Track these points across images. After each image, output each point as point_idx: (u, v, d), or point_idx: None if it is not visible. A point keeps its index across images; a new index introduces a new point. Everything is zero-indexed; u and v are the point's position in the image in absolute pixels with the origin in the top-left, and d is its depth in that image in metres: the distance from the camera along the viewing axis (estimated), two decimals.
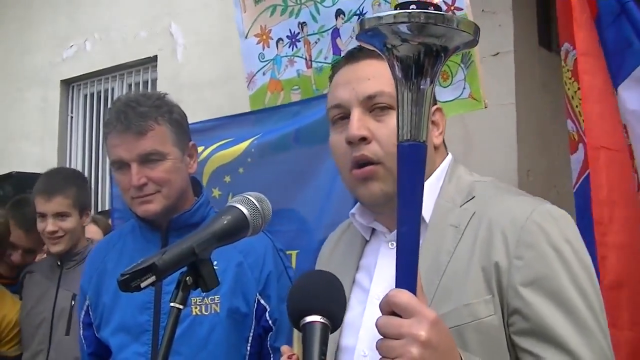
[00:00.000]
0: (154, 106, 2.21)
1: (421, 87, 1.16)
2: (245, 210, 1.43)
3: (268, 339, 2.28)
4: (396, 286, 1.17)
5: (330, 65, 3.22)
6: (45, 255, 3.81)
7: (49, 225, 3.34)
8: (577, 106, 2.71)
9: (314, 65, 3.40)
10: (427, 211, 1.51)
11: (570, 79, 2.74)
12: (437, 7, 1.10)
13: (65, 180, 3.44)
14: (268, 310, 2.25)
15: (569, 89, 2.76)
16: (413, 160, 1.18)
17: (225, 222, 1.40)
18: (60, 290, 3.44)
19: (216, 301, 2.18)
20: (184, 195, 2.28)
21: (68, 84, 8.21)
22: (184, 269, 1.35)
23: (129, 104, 2.20)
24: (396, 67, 1.16)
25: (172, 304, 1.31)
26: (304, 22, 3.44)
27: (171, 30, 6.68)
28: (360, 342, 1.53)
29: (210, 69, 6.29)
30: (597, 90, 2.64)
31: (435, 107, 1.61)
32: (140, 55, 7.16)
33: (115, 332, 2.28)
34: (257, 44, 3.69)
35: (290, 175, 3.03)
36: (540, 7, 4.81)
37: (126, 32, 7.28)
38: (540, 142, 4.58)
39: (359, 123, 1.52)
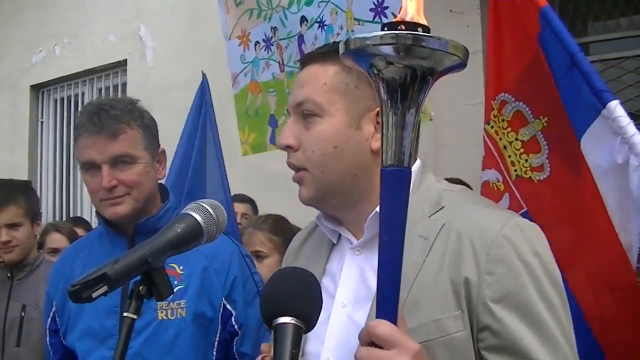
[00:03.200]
0: (126, 110, 2.21)
1: (407, 110, 1.12)
2: (199, 218, 1.41)
3: (234, 343, 2.27)
4: (377, 316, 1.14)
5: (299, 70, 3.25)
6: None
7: (2, 235, 3.37)
8: (509, 156, 2.73)
9: (286, 69, 3.44)
10: None
11: (505, 129, 2.75)
12: (425, 28, 1.06)
13: (14, 190, 3.48)
14: (234, 315, 2.24)
15: (500, 139, 2.76)
16: (396, 186, 1.14)
17: (178, 230, 1.38)
18: (10, 302, 3.44)
19: (182, 305, 2.18)
20: (152, 200, 2.27)
21: (38, 89, 8.14)
22: (138, 277, 1.33)
23: (101, 107, 2.19)
24: (382, 89, 1.12)
25: (125, 314, 1.29)
26: (276, 27, 3.51)
27: (140, 33, 6.64)
28: (325, 349, 1.51)
29: (180, 72, 6.26)
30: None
31: (377, 109, 1.59)
32: (110, 60, 7.13)
33: (81, 337, 2.25)
34: (238, 45, 3.79)
35: None
36: None
37: (95, 36, 7.23)
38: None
39: (287, 132, 1.55)
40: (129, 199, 2.19)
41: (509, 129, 2.75)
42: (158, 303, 2.15)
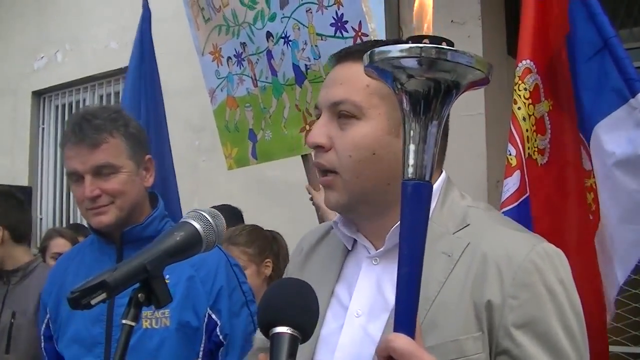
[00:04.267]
0: (109, 119, 2.22)
1: (429, 123, 1.10)
2: (198, 227, 1.41)
3: (219, 354, 2.26)
4: (394, 329, 1.12)
5: (271, 84, 3.34)
6: None
7: None
8: (527, 129, 2.59)
9: (259, 84, 3.43)
10: None
11: (527, 99, 2.60)
12: (449, 42, 1.06)
13: None
14: (219, 325, 2.23)
15: (519, 108, 2.61)
16: (416, 200, 1.12)
17: (177, 238, 1.39)
18: (4, 308, 3.46)
19: (166, 315, 2.18)
20: (138, 208, 2.28)
21: (39, 95, 8.16)
22: (136, 285, 1.33)
23: (85, 116, 2.22)
24: (404, 101, 1.11)
25: (123, 321, 1.29)
26: (244, 43, 3.48)
27: None
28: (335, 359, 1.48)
29: (180, 79, 6.26)
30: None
31: None
32: (111, 67, 7.11)
33: (70, 344, 2.27)
34: (212, 61, 3.75)
35: None
36: (508, 17, 4.84)
37: (96, 43, 7.24)
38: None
39: (319, 129, 1.48)
40: (112, 208, 2.20)
41: (530, 100, 2.63)
42: (143, 312, 2.14)
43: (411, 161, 1.12)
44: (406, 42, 1.06)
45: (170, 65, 6.40)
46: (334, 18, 2.87)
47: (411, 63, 1.06)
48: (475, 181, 4.16)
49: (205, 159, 6.10)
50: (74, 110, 7.61)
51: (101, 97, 7.47)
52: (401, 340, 1.10)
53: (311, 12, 2.99)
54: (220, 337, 2.24)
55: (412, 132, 1.11)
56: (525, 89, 2.61)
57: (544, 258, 1.37)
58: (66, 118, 7.79)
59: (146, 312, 2.16)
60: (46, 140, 8.14)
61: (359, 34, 2.78)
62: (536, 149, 2.64)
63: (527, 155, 2.60)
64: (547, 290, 1.35)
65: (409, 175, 1.12)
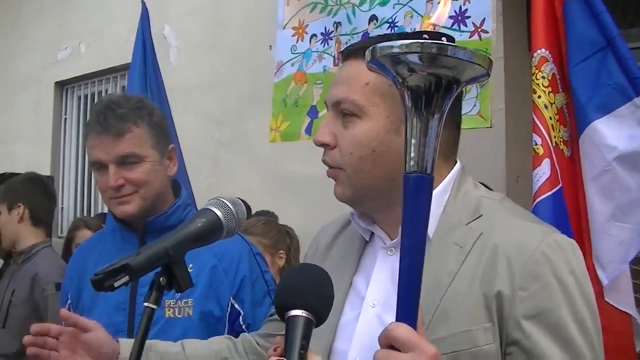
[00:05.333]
0: (133, 108, 2.22)
1: (430, 117, 1.14)
2: (219, 213, 1.44)
3: None
4: (396, 319, 1.15)
5: None
6: None
7: None
8: (550, 118, 2.61)
9: (340, 64, 3.52)
10: (431, 227, 1.36)
11: (547, 87, 2.62)
12: (449, 38, 1.09)
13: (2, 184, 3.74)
14: (242, 314, 2.23)
15: (539, 97, 2.63)
16: (418, 192, 1.16)
17: (199, 224, 1.42)
18: (9, 286, 3.64)
19: (189, 304, 2.17)
20: (162, 197, 2.28)
21: (62, 86, 8.23)
22: (158, 269, 1.36)
23: (109, 105, 2.21)
24: (406, 96, 1.14)
25: (145, 304, 1.32)
26: (339, 22, 3.58)
27: (164, 33, 6.68)
28: (352, 349, 1.51)
29: (200, 73, 6.30)
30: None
31: None
32: None
33: None
34: (292, 36, 3.84)
35: None
36: (529, 13, 4.81)
37: (119, 34, 7.28)
38: (530, 148, 4.58)
39: (325, 129, 1.52)
40: (136, 198, 2.20)
41: (550, 89, 2.64)
42: (166, 301, 2.15)
43: (412, 155, 1.15)
44: (408, 38, 1.09)
45: (190, 60, 6.45)
46: (455, 12, 2.94)
47: (412, 59, 1.09)
48: (495, 177, 4.16)
49: (225, 151, 6.13)
50: (96, 101, 7.67)
51: (123, 87, 7.51)
52: (402, 329, 1.13)
53: (431, 2, 3.07)
54: (243, 326, 2.23)
55: (413, 126, 1.15)
56: (544, 77, 2.63)
57: (554, 249, 1.37)
58: (88, 108, 7.86)
59: (169, 302, 2.16)
60: (68, 130, 8.22)
61: (479, 30, 2.85)
62: (562, 140, 2.66)
63: (554, 144, 2.60)
64: (558, 281, 1.35)
65: (411, 168, 1.15)
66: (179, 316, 2.18)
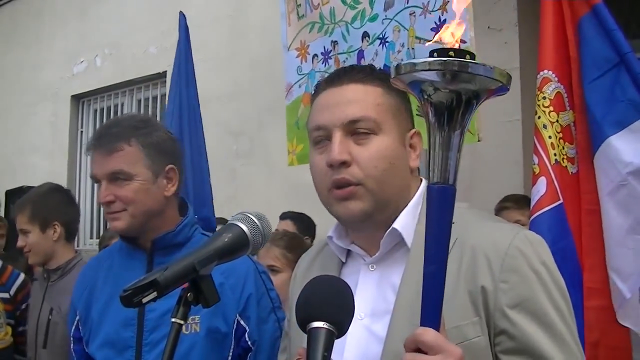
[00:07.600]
0: (129, 127, 2.26)
1: (452, 132, 1.20)
2: (245, 228, 1.46)
3: (247, 359, 2.28)
4: (421, 324, 1.23)
5: None
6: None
7: (19, 241, 3.55)
8: (550, 136, 2.69)
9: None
10: (409, 238, 1.57)
11: (547, 107, 2.71)
12: (471, 55, 1.13)
13: (25, 198, 3.64)
14: (247, 331, 2.26)
15: (539, 117, 2.73)
16: (442, 202, 1.23)
17: (226, 239, 1.44)
18: (44, 304, 3.54)
19: (196, 320, 2.19)
20: (161, 216, 2.29)
21: (78, 99, 8.30)
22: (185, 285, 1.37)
23: (110, 124, 2.30)
24: (430, 112, 1.20)
25: (173, 320, 1.33)
26: (336, 41, 3.63)
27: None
28: None
29: (219, 85, 6.33)
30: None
31: (413, 130, 1.65)
32: (150, 71, 7.24)
33: (101, 347, 2.30)
34: (296, 57, 3.90)
35: None
36: None
37: (136, 48, 7.34)
38: None
39: (340, 147, 1.55)
40: (125, 215, 2.23)
41: (552, 108, 2.72)
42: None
43: (436, 167, 1.22)
44: (432, 56, 1.15)
45: (209, 71, 6.48)
46: (436, 23, 3.00)
47: (435, 76, 1.15)
48: (512, 188, 4.15)
49: (243, 163, 6.15)
50: (112, 114, 7.73)
51: (139, 101, 7.57)
52: (430, 334, 1.21)
53: (414, 16, 3.13)
54: (249, 342, 2.26)
55: (436, 141, 1.22)
56: (544, 98, 2.73)
57: (526, 243, 1.51)
58: (104, 122, 7.90)
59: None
60: (84, 143, 8.25)
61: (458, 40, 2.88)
62: (565, 157, 2.71)
63: (553, 162, 2.68)
64: (533, 271, 1.48)
65: (435, 179, 1.23)
66: (187, 332, 2.18)
